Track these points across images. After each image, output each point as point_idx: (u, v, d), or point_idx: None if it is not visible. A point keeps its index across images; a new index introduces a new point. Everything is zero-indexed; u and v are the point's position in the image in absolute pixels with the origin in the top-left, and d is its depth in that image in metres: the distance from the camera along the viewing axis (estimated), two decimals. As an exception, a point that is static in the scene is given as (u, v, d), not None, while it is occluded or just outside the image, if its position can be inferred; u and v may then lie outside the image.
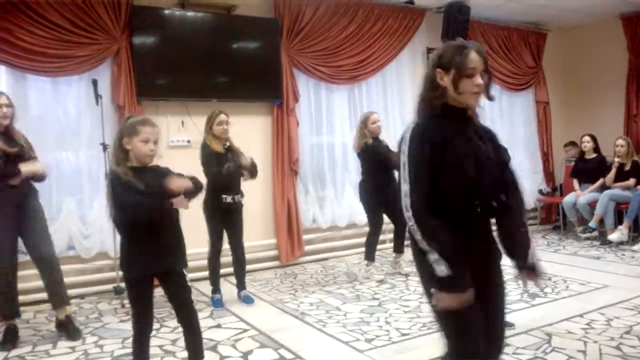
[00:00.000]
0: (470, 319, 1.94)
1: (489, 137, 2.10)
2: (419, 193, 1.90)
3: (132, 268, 2.70)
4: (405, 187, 1.93)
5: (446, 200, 1.92)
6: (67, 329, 3.91)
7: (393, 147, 5.16)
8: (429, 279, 1.96)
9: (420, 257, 1.96)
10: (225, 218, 4.44)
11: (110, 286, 4.88)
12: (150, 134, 2.66)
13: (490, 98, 2.05)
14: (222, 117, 4.40)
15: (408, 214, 1.91)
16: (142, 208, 2.57)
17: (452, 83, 1.95)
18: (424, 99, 2.05)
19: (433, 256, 1.87)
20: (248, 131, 5.63)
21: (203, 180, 3.33)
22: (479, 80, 1.95)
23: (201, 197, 4.27)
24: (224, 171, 4.23)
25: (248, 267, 4.90)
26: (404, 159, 1.95)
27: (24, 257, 4.55)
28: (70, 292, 4.79)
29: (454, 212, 1.94)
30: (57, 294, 3.93)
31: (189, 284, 2.85)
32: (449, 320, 1.98)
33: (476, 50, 1.97)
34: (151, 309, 2.81)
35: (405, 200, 1.92)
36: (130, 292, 2.80)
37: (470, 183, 1.95)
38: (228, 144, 4.45)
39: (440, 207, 1.90)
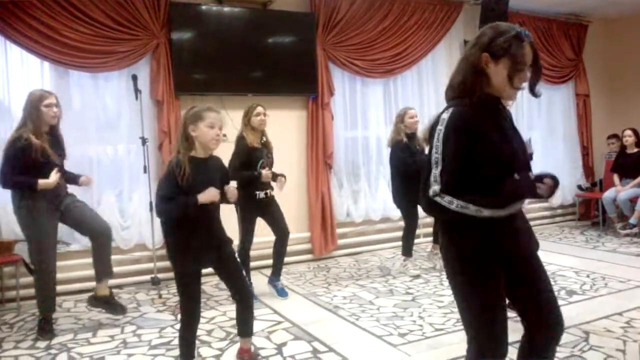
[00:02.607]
0: (497, 317, 1.94)
1: (513, 125, 2.06)
2: (449, 178, 1.85)
3: (187, 264, 2.75)
4: (435, 171, 1.87)
5: (486, 189, 1.88)
6: (112, 305, 4.04)
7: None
8: (453, 272, 2.01)
9: (448, 250, 2.01)
10: (261, 212, 4.48)
11: (148, 277, 5.01)
12: (215, 120, 2.73)
13: (535, 94, 1.98)
14: (259, 108, 4.44)
15: (435, 189, 1.86)
16: (169, 214, 2.74)
17: (508, 76, 1.86)
18: (463, 83, 1.93)
19: (471, 212, 1.84)
20: (283, 125, 5.67)
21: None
22: (527, 76, 1.90)
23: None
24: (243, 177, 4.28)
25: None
26: (437, 142, 1.89)
27: (65, 248, 4.74)
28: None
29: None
30: (106, 264, 4.03)
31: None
32: (476, 319, 1.98)
33: (529, 43, 1.89)
34: (199, 302, 2.87)
35: (435, 186, 1.87)
36: (180, 285, 2.83)
37: (508, 174, 1.90)
38: (265, 138, 4.48)
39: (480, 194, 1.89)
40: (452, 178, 1.86)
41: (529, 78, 1.91)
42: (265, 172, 4.36)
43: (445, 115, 1.90)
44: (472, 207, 1.83)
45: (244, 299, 2.94)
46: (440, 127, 1.89)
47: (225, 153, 4.44)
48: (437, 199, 1.87)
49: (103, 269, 4.04)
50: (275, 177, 4.47)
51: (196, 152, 2.75)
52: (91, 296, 4.09)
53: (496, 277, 1.95)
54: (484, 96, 1.91)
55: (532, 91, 1.97)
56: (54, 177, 3.70)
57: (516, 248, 2.00)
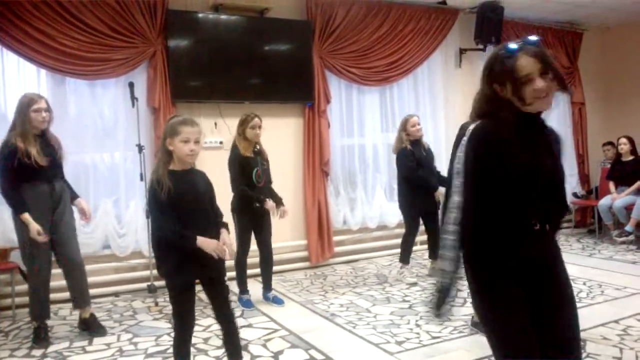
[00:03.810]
0: (526, 344, 1.83)
1: (554, 143, 1.96)
2: (472, 213, 1.81)
3: (177, 276, 2.71)
4: (456, 199, 1.84)
5: (500, 215, 1.81)
6: (94, 327, 3.99)
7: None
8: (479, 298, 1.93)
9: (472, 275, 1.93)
10: (254, 220, 4.49)
11: (144, 284, 4.98)
12: (190, 134, 2.65)
13: (566, 91, 1.92)
14: (257, 121, 4.43)
15: (454, 227, 1.83)
16: (166, 240, 2.67)
17: (517, 96, 1.81)
18: (486, 109, 1.91)
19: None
20: (280, 132, 5.68)
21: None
22: (538, 84, 1.79)
23: (229, 199, 4.36)
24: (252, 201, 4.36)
25: (278, 267, 4.94)
26: (459, 166, 1.85)
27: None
28: (105, 289, 4.97)
29: (509, 226, 1.83)
30: (82, 295, 4.01)
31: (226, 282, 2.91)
32: (505, 346, 1.87)
33: (526, 52, 1.81)
34: (193, 312, 2.84)
35: (451, 215, 1.83)
36: (172, 296, 2.80)
37: (528, 200, 1.83)
38: (258, 147, 4.49)
39: (493, 221, 1.82)
40: (477, 220, 1.82)
41: (543, 86, 1.80)
42: (270, 203, 4.39)
43: (472, 127, 1.88)
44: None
45: (226, 324, 2.88)
46: (465, 139, 1.87)
47: (221, 159, 4.49)
48: (452, 238, 1.84)
49: (76, 296, 4.01)
50: (277, 203, 4.50)
51: (175, 166, 2.71)
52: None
53: (521, 297, 1.86)
54: (514, 114, 1.85)
55: (565, 88, 1.90)
56: (38, 236, 3.66)
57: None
